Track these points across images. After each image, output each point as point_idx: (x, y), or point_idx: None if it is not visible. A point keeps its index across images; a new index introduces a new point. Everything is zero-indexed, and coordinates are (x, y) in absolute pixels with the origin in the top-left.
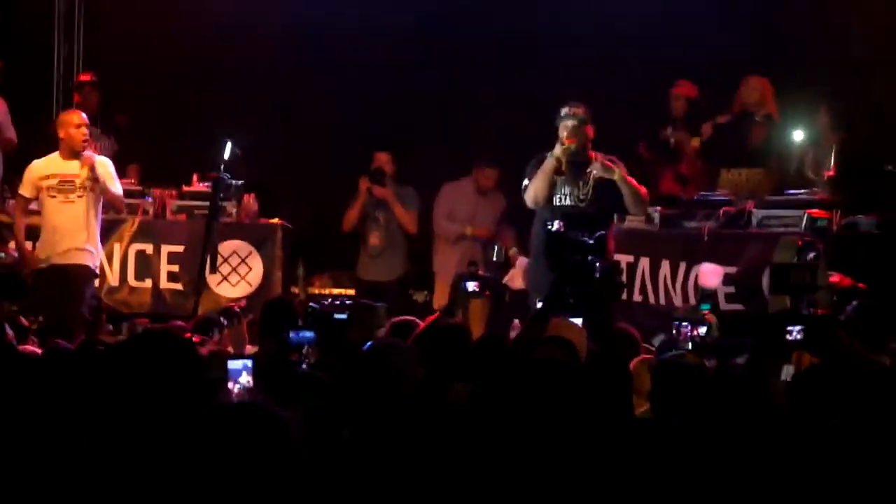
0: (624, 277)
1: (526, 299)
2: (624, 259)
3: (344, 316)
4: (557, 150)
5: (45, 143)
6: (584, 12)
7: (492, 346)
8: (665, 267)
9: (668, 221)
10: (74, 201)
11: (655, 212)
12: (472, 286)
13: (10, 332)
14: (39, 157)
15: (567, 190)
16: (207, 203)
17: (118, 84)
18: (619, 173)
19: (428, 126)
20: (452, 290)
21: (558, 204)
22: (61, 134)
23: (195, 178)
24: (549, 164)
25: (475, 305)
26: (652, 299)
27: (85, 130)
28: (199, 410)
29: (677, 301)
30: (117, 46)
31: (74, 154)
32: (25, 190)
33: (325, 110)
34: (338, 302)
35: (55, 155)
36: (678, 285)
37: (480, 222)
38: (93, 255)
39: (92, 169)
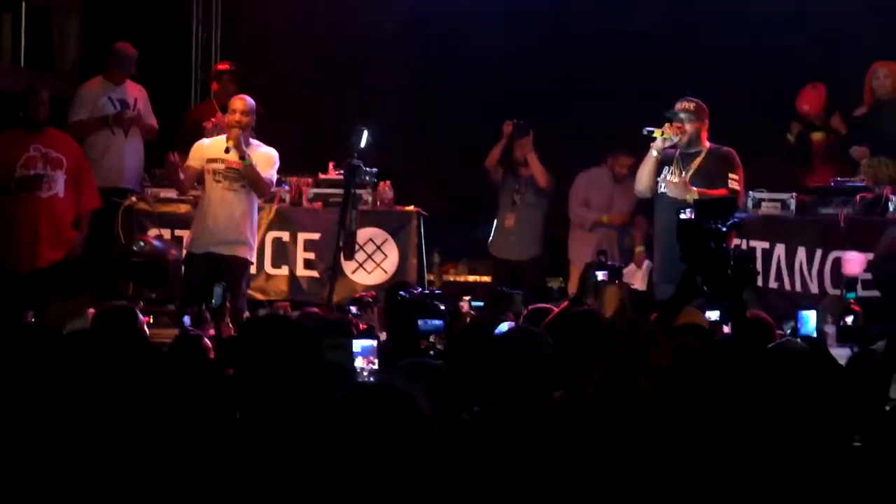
0: (759, 264)
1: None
2: (759, 245)
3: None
4: (658, 142)
5: (185, 131)
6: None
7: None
8: (801, 254)
9: (805, 208)
10: (237, 190)
11: (791, 198)
12: (601, 275)
13: (143, 318)
14: (177, 146)
15: (670, 178)
16: (343, 191)
17: (255, 73)
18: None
19: (563, 114)
20: (582, 279)
21: (661, 191)
22: (227, 120)
23: (331, 165)
24: (649, 155)
25: (609, 292)
26: (788, 286)
27: (237, 116)
28: (323, 393)
29: (813, 288)
30: (255, 35)
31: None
32: (193, 162)
33: (460, 98)
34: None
35: (222, 137)
36: (814, 272)
37: (616, 210)
38: (251, 248)
39: (238, 144)
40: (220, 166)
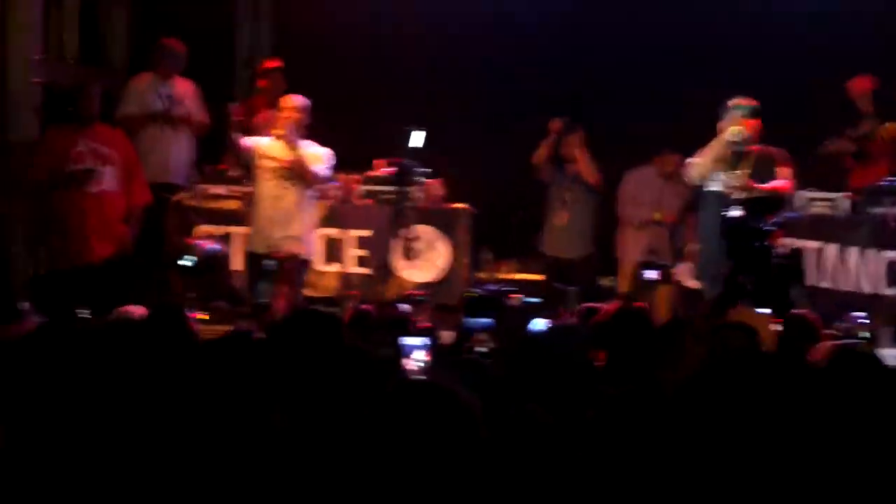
0: (810, 263)
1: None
2: (811, 245)
3: (537, 300)
4: (727, 133)
5: (233, 127)
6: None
7: (674, 331)
8: (853, 253)
9: (857, 208)
10: (288, 187)
11: (843, 198)
12: (651, 275)
13: (193, 314)
14: (226, 141)
15: (722, 176)
16: (394, 188)
17: (304, 70)
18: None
19: (609, 116)
20: (633, 278)
21: (710, 189)
22: (280, 118)
23: (381, 163)
24: (717, 144)
25: (662, 292)
26: (839, 286)
27: (289, 114)
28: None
29: (866, 288)
30: (304, 32)
31: (293, 139)
32: (249, 143)
33: (510, 96)
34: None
35: (276, 139)
36: (867, 272)
37: (666, 208)
38: (306, 244)
39: (287, 134)
40: (272, 164)
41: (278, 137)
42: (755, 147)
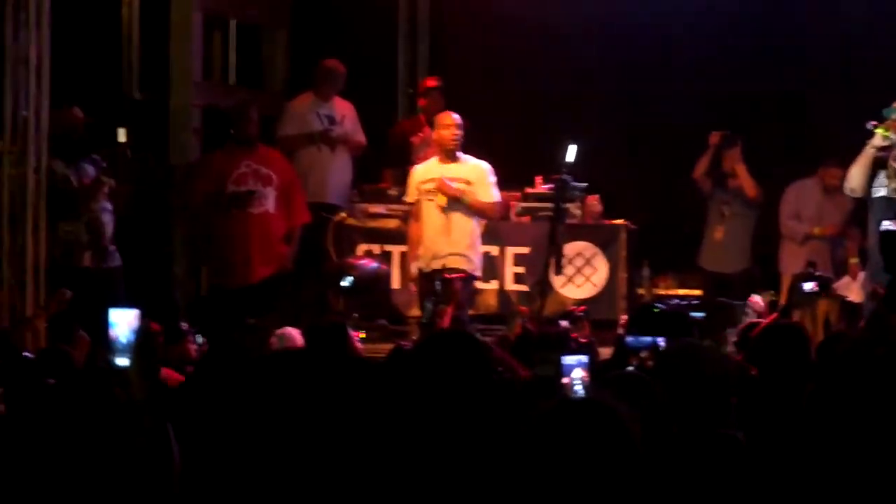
0: None
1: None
2: None
3: (701, 315)
4: (876, 139)
5: (392, 146)
6: None
7: (833, 346)
8: None
9: None
10: (451, 205)
11: None
12: (809, 286)
13: (355, 333)
14: (385, 161)
15: (885, 182)
16: (551, 205)
17: (462, 88)
18: None
19: (771, 125)
20: (790, 290)
21: (875, 196)
22: (436, 136)
23: (539, 179)
24: (866, 151)
25: (822, 306)
26: None
27: (455, 131)
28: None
29: None
30: (461, 50)
31: (451, 156)
32: (410, 196)
33: (668, 108)
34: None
35: (434, 159)
36: None
37: (827, 221)
38: (471, 261)
39: (445, 192)
40: (431, 185)
41: (440, 201)
42: None
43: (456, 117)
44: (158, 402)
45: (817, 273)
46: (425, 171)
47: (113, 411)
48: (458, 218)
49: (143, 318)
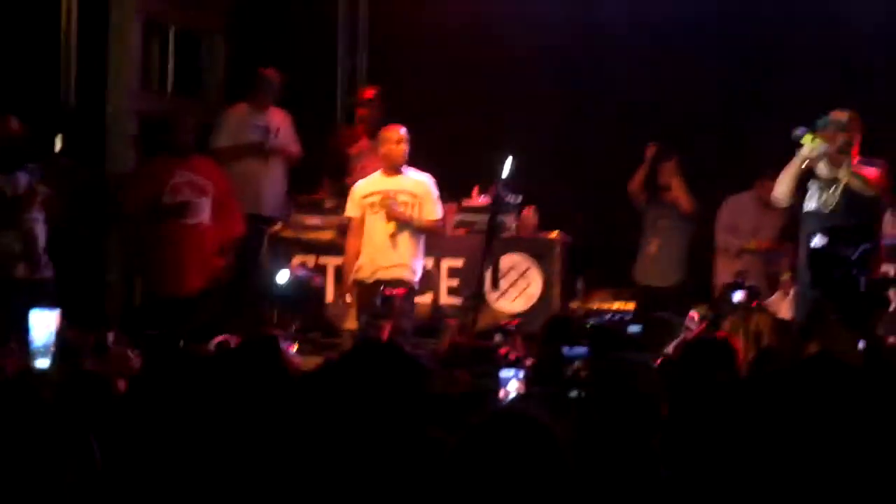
0: None
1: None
2: None
3: (638, 328)
4: (805, 149)
5: (330, 157)
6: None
7: (764, 363)
8: None
9: None
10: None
11: None
12: (738, 297)
13: (289, 347)
14: (323, 172)
15: (816, 195)
16: (487, 217)
17: (400, 99)
18: (861, 181)
19: (707, 138)
20: (718, 300)
21: (807, 209)
22: (382, 150)
23: (475, 192)
24: (794, 161)
25: (754, 320)
26: None
27: (405, 147)
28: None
29: None
30: (400, 60)
31: (396, 169)
32: (351, 211)
33: (603, 122)
34: (620, 317)
35: (377, 172)
36: None
37: (763, 236)
38: (414, 272)
39: (396, 217)
40: (376, 199)
41: (389, 223)
42: (854, 160)
43: (403, 132)
44: (80, 405)
45: (747, 283)
46: (369, 185)
47: (39, 416)
48: (403, 230)
49: (63, 321)
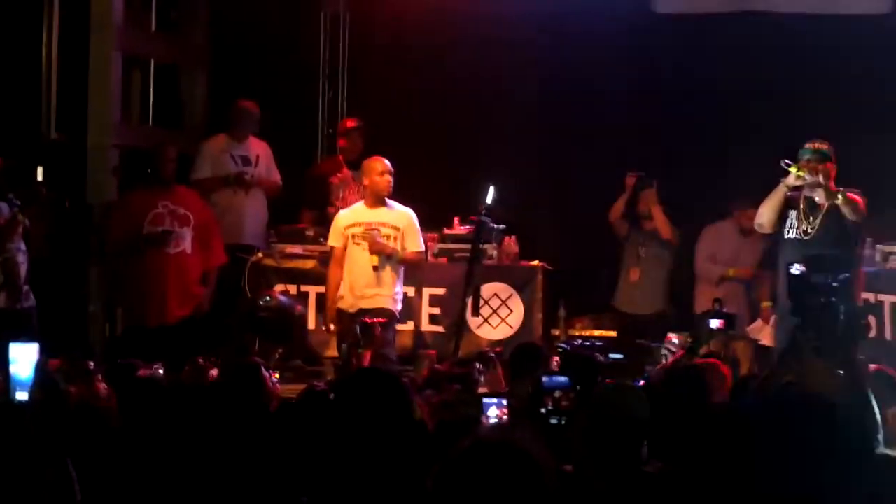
0: (888, 318)
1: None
2: (889, 300)
3: (620, 356)
4: (790, 178)
5: (311, 187)
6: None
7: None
8: None
9: None
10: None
11: None
12: (715, 324)
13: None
14: (304, 202)
15: (796, 224)
16: (469, 246)
17: (381, 129)
18: (842, 196)
19: (688, 167)
20: (695, 327)
21: (786, 237)
22: (366, 181)
23: (456, 221)
24: (779, 189)
25: (734, 347)
26: None
27: (391, 178)
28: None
29: None
30: (381, 91)
31: (380, 201)
32: (334, 241)
33: (585, 151)
34: (599, 343)
35: (360, 203)
36: None
37: (743, 263)
38: (396, 301)
39: (379, 250)
40: (359, 230)
41: (372, 257)
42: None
43: (387, 163)
44: (59, 436)
45: (724, 310)
46: (352, 216)
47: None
48: (386, 263)
49: (42, 353)
